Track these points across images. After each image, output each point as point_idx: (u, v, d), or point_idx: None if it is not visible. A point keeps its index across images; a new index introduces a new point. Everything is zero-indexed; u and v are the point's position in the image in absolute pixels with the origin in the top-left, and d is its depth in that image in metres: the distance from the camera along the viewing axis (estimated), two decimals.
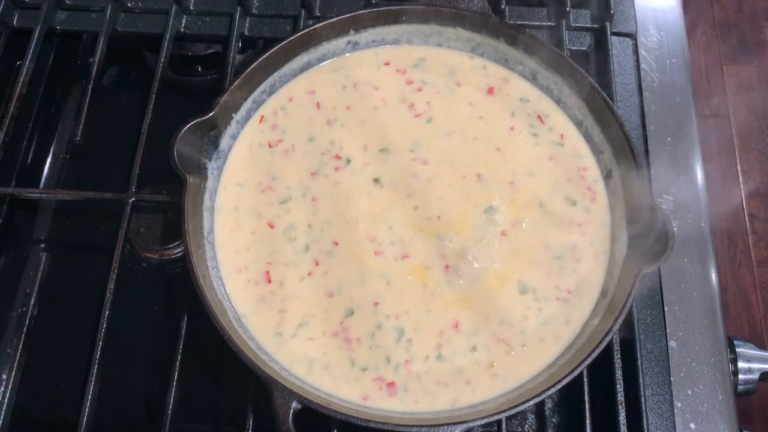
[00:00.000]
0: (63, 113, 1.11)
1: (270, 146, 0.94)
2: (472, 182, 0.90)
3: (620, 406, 0.81)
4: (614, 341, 0.83)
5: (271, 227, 0.88)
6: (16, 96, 1.00)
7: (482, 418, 0.72)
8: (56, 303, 0.96)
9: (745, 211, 2.29)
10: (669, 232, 0.76)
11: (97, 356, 0.83)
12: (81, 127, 0.99)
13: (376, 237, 0.87)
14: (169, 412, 0.80)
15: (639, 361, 0.84)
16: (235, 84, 0.89)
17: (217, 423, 0.89)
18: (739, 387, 0.86)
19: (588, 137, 0.94)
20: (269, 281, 0.85)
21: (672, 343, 0.87)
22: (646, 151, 0.98)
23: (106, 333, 0.84)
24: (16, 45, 1.07)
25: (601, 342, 0.75)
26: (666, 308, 0.89)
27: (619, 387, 0.82)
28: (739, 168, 2.37)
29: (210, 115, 0.86)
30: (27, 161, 1.06)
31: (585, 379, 0.81)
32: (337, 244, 0.87)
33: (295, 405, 0.71)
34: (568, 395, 0.88)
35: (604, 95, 0.89)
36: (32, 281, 0.97)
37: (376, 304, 0.84)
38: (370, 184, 0.91)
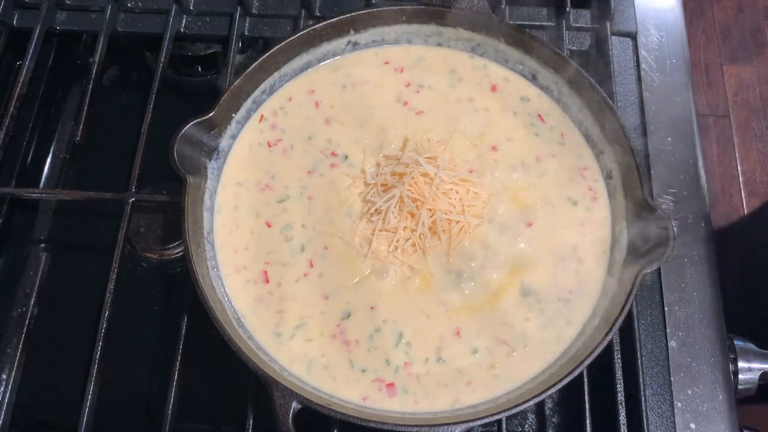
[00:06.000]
0: (63, 113, 1.11)
1: (269, 145, 0.94)
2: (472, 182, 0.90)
3: (620, 406, 0.81)
4: (614, 341, 0.83)
5: (269, 226, 0.88)
6: (16, 96, 1.01)
7: (482, 418, 0.72)
8: (56, 303, 0.96)
9: (745, 211, 2.29)
10: (669, 233, 0.76)
11: (97, 356, 0.83)
12: (81, 127, 0.99)
13: (370, 238, 0.86)
14: (169, 412, 0.80)
15: (639, 361, 0.84)
16: (235, 84, 0.89)
17: (217, 423, 0.89)
18: (739, 387, 0.86)
19: (588, 137, 0.94)
20: (267, 281, 0.85)
21: (672, 343, 0.87)
22: (646, 151, 0.97)
23: (106, 333, 0.84)
24: (16, 45, 1.07)
25: (601, 342, 0.75)
26: (666, 308, 0.89)
27: (619, 387, 0.82)
28: (739, 168, 2.37)
29: (210, 115, 0.86)
30: (27, 161, 1.06)
31: (585, 379, 0.81)
32: (326, 248, 0.86)
33: (295, 405, 0.71)
34: (568, 395, 0.88)
35: (604, 95, 0.89)
36: (32, 281, 0.97)
37: (371, 308, 0.83)
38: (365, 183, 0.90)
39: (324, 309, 0.83)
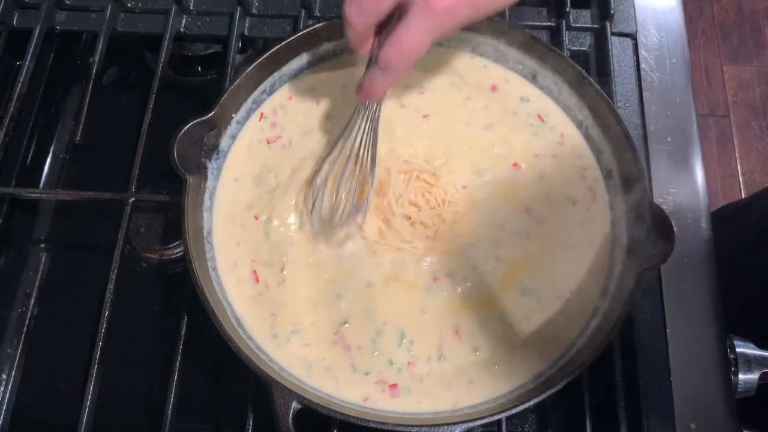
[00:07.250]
0: (63, 113, 1.11)
1: (268, 142, 0.93)
2: (471, 181, 0.90)
3: (620, 406, 0.81)
4: (614, 341, 0.83)
5: (256, 219, 0.87)
6: (16, 96, 1.00)
7: (482, 418, 0.72)
8: (56, 303, 0.96)
9: None
10: (669, 233, 0.76)
11: (97, 356, 0.83)
12: (81, 127, 0.99)
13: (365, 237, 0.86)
14: (169, 412, 0.80)
15: (639, 361, 0.84)
16: (235, 84, 0.89)
17: (217, 423, 0.89)
18: (739, 387, 0.86)
19: (588, 137, 0.94)
20: (257, 281, 0.84)
21: (672, 343, 0.87)
22: (646, 151, 0.97)
23: (106, 333, 0.84)
24: (16, 45, 1.07)
25: (601, 342, 0.75)
26: (666, 308, 0.89)
27: (619, 387, 0.82)
28: (739, 168, 2.37)
29: (210, 115, 0.86)
30: (27, 161, 1.06)
31: (585, 379, 0.81)
32: None
33: (295, 405, 0.71)
34: (568, 395, 0.88)
35: (604, 95, 0.89)
36: (32, 281, 0.97)
37: (370, 309, 0.83)
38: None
39: (315, 319, 0.82)
